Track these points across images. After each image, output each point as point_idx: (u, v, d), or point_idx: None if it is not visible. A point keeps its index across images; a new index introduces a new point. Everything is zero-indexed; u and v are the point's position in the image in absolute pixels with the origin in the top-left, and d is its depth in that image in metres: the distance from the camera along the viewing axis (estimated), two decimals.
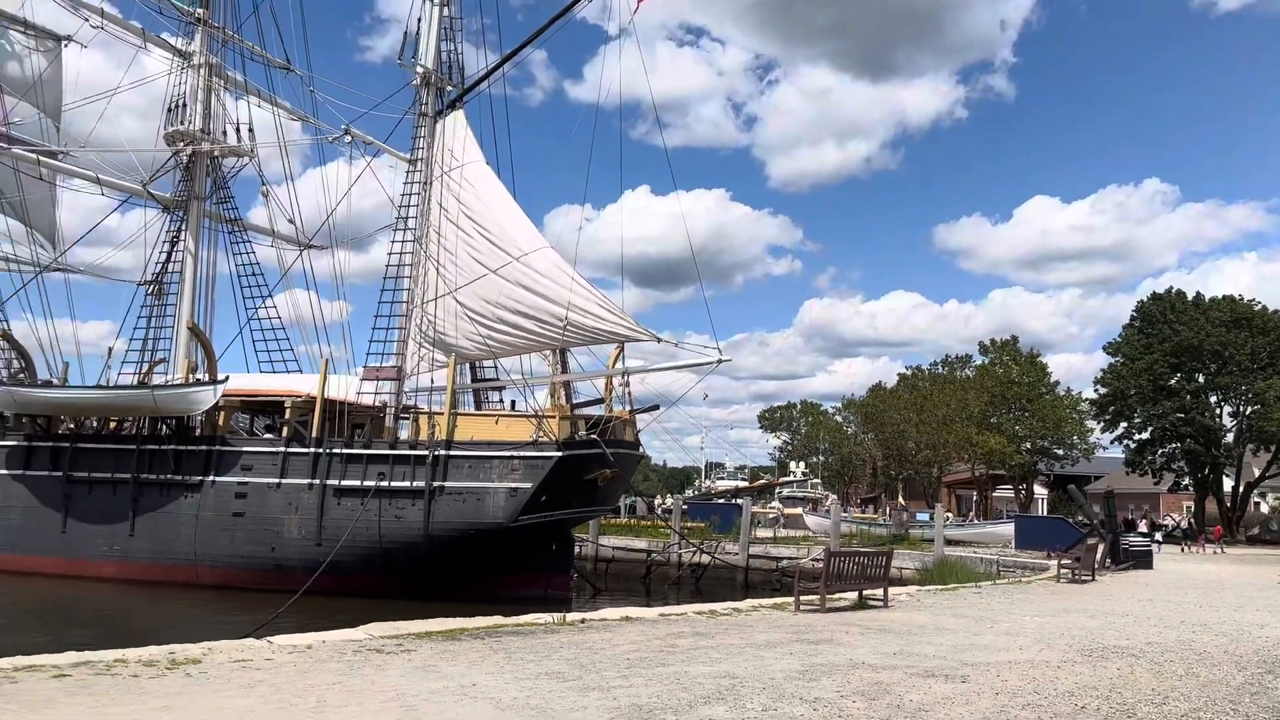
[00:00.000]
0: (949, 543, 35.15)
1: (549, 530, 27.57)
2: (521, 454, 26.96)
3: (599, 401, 30.53)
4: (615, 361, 29.61)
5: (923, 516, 47.55)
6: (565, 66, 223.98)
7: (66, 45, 42.76)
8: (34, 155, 35.33)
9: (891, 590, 17.81)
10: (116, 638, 16.26)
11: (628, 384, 29.56)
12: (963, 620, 15.34)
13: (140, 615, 24.65)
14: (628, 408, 29.65)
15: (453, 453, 27.32)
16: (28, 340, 35.52)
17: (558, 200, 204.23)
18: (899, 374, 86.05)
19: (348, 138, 31.79)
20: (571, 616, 14.00)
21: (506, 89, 32.50)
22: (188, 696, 8.10)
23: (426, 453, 27.19)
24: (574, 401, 31.43)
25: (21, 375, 33.24)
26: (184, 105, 33.78)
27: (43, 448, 31.07)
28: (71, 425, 31.68)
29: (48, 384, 33.14)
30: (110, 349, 34.56)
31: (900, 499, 68.77)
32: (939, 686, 9.44)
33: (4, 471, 31.35)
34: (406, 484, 27.27)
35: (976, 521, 52.25)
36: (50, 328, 38.70)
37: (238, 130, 34.92)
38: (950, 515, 55.74)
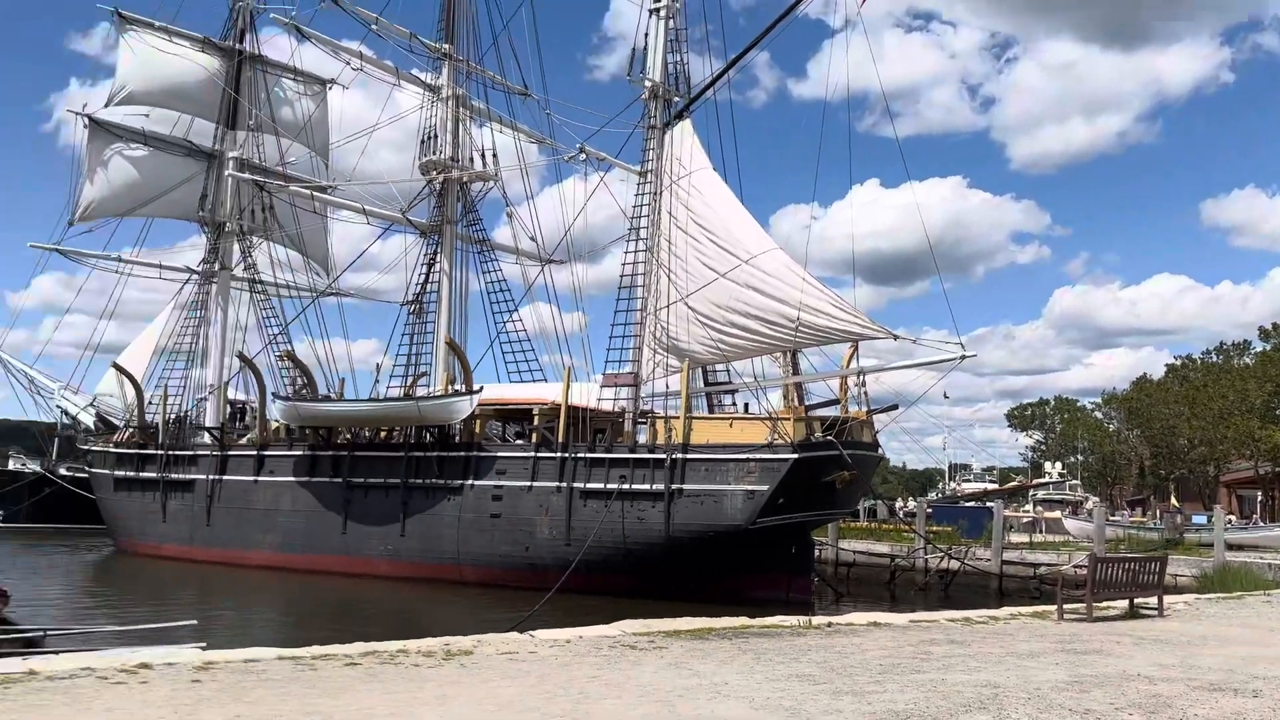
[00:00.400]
0: (1230, 547, 31.98)
1: (788, 533, 27.45)
2: (757, 456, 27.01)
3: (834, 402, 30.09)
4: (849, 361, 29.09)
5: (1199, 519, 43.49)
6: (788, 65, 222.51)
7: (330, 88, 47.30)
8: (308, 191, 39.10)
9: (1167, 598, 16.46)
10: (395, 630, 17.71)
11: (863, 384, 28.98)
12: (1251, 631, 13.96)
13: (412, 609, 26.65)
14: (864, 408, 29.05)
15: (689, 456, 27.76)
16: (308, 358, 39.49)
17: (783, 200, 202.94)
18: (1167, 365, 79.63)
19: (582, 155, 33.11)
20: (817, 620, 13.91)
21: (731, 93, 32.70)
22: (463, 685, 8.72)
23: (664, 456, 27.79)
24: (807, 403, 31.16)
25: (304, 391, 36.77)
26: (435, 136, 36.36)
27: (325, 456, 34.25)
28: (348, 435, 34.74)
29: (326, 398, 36.47)
30: (378, 365, 37.66)
31: (1173, 500, 63.23)
32: (1227, 701, 8.66)
33: (292, 478, 34.85)
34: (646, 486, 27.97)
35: (1262, 524, 47.18)
36: (326, 347, 42.91)
37: (483, 156, 37.19)
38: (1232, 518, 50.64)
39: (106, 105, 43.37)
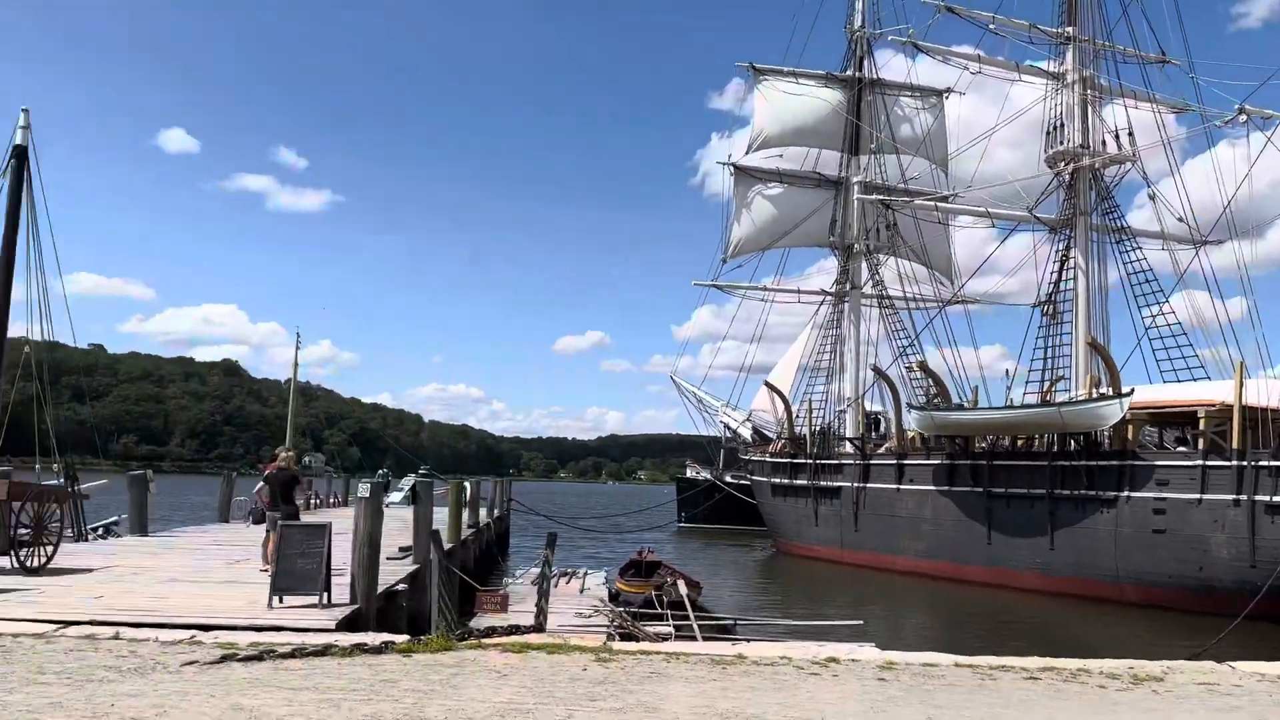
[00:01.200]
0: None
1: None
2: None
3: None
4: None
5: None
6: None
7: (946, 97, 47.49)
8: (931, 203, 39.57)
9: None
10: (1049, 646, 16.90)
11: None
12: None
13: (1064, 626, 25.16)
14: None
15: None
16: (937, 367, 39.82)
17: None
18: None
19: (1241, 117, 28.57)
20: None
21: None
22: (1159, 714, 7.95)
23: None
24: None
25: (938, 400, 37.03)
26: (1061, 125, 34.40)
27: (963, 465, 34.05)
28: (984, 444, 34.14)
29: (960, 407, 36.32)
30: (1008, 370, 36.66)
31: None
32: None
33: (931, 487, 35.21)
34: None
35: None
36: (955, 355, 42.85)
37: (1116, 137, 34.27)
38: None
39: (746, 153, 48.75)
